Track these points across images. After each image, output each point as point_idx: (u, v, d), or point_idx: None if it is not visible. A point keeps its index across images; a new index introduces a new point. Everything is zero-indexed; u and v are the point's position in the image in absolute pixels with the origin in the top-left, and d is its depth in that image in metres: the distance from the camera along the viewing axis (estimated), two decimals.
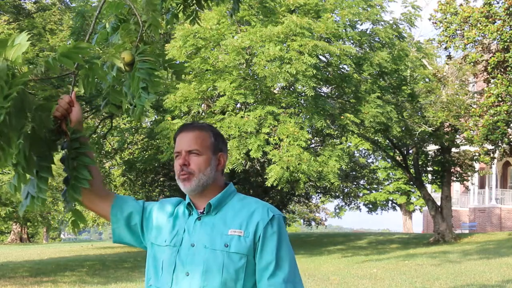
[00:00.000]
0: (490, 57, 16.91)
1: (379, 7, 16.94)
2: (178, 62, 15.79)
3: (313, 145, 20.06)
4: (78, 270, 14.88)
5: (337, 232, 38.23)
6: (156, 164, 22.20)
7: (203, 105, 17.30)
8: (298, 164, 14.10)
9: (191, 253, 1.97)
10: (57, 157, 2.02)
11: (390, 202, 40.92)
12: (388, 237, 26.53)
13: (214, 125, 15.49)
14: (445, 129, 20.21)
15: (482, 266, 12.05)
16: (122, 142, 20.04)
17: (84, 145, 1.95)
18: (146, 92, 1.92)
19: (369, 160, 36.67)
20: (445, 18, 17.86)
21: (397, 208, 41.71)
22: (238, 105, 16.14)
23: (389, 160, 26.72)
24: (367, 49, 16.85)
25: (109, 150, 21.85)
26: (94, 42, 2.40)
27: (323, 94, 16.95)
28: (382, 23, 17.14)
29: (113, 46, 2.07)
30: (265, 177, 15.25)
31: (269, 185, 14.56)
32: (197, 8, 2.69)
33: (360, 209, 39.52)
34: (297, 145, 14.19)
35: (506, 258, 13.34)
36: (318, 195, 35.57)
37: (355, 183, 33.57)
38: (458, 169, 21.92)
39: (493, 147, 18.49)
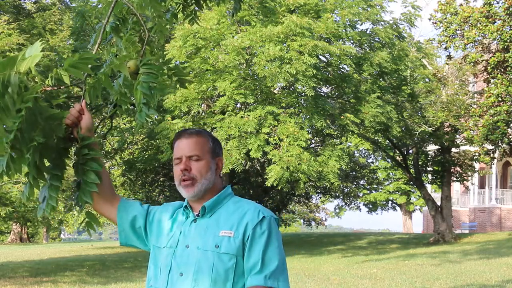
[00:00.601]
0: (490, 57, 16.91)
1: (379, 7, 16.94)
2: (178, 63, 15.79)
3: (313, 145, 20.06)
4: (78, 270, 14.88)
5: (337, 232, 38.24)
6: (156, 164, 22.19)
7: (203, 105, 17.30)
8: (298, 164, 14.10)
9: (186, 254, 2.03)
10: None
11: (390, 202, 40.91)
12: (388, 237, 26.53)
13: (214, 125, 15.55)
14: (445, 129, 20.21)
15: (482, 266, 12.05)
16: (122, 142, 20.04)
17: (93, 151, 2.02)
18: (147, 108, 1.96)
19: (369, 160, 36.68)
20: (445, 18, 17.86)
21: (397, 208, 41.71)
22: (238, 105, 16.14)
23: (389, 160, 26.72)
24: (367, 49, 16.85)
25: (109, 150, 21.85)
26: (93, 41, 2.42)
27: (323, 94, 16.95)
28: (382, 23, 17.14)
29: (119, 56, 2.09)
30: (265, 177, 15.26)
31: (269, 185, 14.56)
32: (196, 8, 2.69)
33: (360, 209, 39.53)
34: (297, 145, 14.19)
35: (506, 258, 13.34)
36: (318, 195, 35.58)
37: (355, 183, 33.57)
38: (458, 169, 21.92)
39: (493, 147, 18.49)
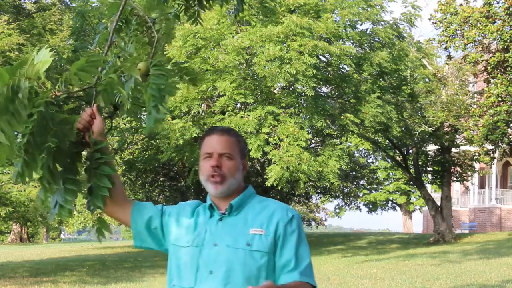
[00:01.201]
0: (490, 57, 16.91)
1: (379, 7, 16.94)
2: (178, 62, 15.78)
3: (313, 145, 20.06)
4: (78, 270, 14.87)
5: (337, 232, 38.25)
6: (156, 164, 22.19)
7: (203, 105, 17.31)
8: (298, 164, 14.10)
9: (214, 253, 2.03)
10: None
11: (390, 202, 40.91)
12: (388, 237, 26.53)
13: (214, 125, 15.57)
14: (445, 129, 20.21)
15: (482, 266, 12.05)
16: (122, 142, 20.04)
17: (105, 155, 2.02)
18: (156, 111, 1.96)
19: (369, 160, 36.67)
20: (445, 18, 17.86)
21: (397, 208, 41.70)
22: (238, 105, 16.15)
23: (389, 160, 26.72)
24: (367, 49, 16.86)
25: (109, 150, 21.85)
26: (96, 43, 2.41)
27: (323, 94, 16.96)
28: (382, 23, 17.14)
29: (129, 58, 2.09)
30: (265, 177, 15.26)
31: (269, 185, 14.57)
32: (198, 9, 2.69)
33: (360, 209, 39.53)
34: (297, 145, 14.19)
35: (506, 258, 13.33)
36: (318, 195, 35.57)
37: (355, 183, 33.57)
38: (458, 169, 21.92)
39: (493, 147, 18.49)
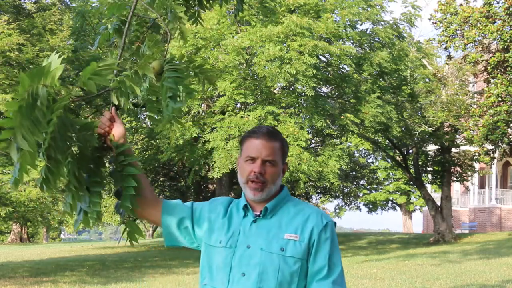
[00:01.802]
0: (490, 57, 16.91)
1: (379, 7, 16.94)
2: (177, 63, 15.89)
3: (313, 145, 20.06)
4: (78, 270, 14.87)
5: (337, 232, 38.06)
6: (156, 164, 22.21)
7: (203, 105, 17.31)
8: (298, 164, 14.11)
9: (247, 255, 2.03)
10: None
11: (390, 202, 40.92)
12: (388, 237, 26.53)
13: (214, 125, 15.52)
14: (445, 129, 20.21)
15: (482, 266, 12.05)
16: None
17: (129, 156, 2.00)
18: (173, 101, 1.95)
19: (369, 160, 36.69)
20: (445, 18, 17.86)
21: (397, 208, 41.71)
22: (238, 105, 16.15)
23: (389, 160, 26.73)
24: (367, 49, 16.86)
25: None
26: (97, 43, 2.41)
27: (323, 94, 16.96)
28: (382, 23, 17.15)
29: (143, 57, 2.09)
30: None
31: None
32: (198, 9, 2.69)
33: (360, 209, 39.56)
34: (297, 145, 14.19)
35: (506, 258, 13.34)
36: (318, 195, 35.59)
37: (355, 183, 33.59)
38: (458, 169, 21.92)
39: (493, 147, 18.50)
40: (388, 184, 39.53)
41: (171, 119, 1.97)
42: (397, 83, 17.84)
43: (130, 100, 2.04)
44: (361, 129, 17.03)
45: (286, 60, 14.24)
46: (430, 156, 22.10)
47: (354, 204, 38.52)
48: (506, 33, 16.37)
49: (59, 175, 1.80)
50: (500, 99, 16.61)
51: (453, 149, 21.50)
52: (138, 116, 21.08)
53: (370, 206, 40.09)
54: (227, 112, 15.07)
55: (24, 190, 14.56)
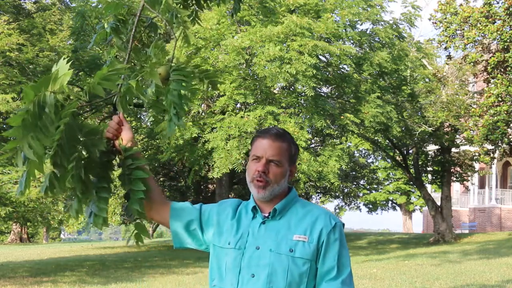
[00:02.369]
0: (490, 57, 16.90)
1: (379, 7, 16.94)
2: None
3: (313, 145, 20.06)
4: (78, 270, 14.87)
5: None
6: (156, 164, 22.20)
7: (203, 105, 17.31)
8: (298, 164, 14.10)
9: (256, 256, 2.05)
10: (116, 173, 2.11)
11: (390, 202, 40.92)
12: (388, 237, 26.53)
13: (214, 125, 15.51)
14: (445, 129, 20.21)
15: (482, 266, 12.05)
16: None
17: (137, 160, 2.03)
18: (177, 118, 1.98)
19: (369, 160, 36.69)
20: (445, 18, 17.85)
21: (397, 208, 41.71)
22: (238, 105, 16.14)
23: (389, 160, 26.73)
24: (367, 49, 16.86)
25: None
26: (93, 42, 2.42)
27: (323, 94, 16.95)
28: (382, 23, 17.15)
29: (149, 63, 2.10)
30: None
31: None
32: (196, 8, 2.69)
33: (360, 209, 39.55)
34: None
35: (506, 258, 13.34)
36: (318, 195, 35.59)
37: (355, 183, 33.58)
38: (458, 169, 21.92)
39: (493, 147, 18.49)
40: (388, 184, 39.53)
41: (171, 135, 1.99)
42: (397, 83, 17.84)
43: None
44: (361, 129, 17.03)
45: (286, 60, 14.24)
46: (430, 156, 22.10)
47: (354, 204, 38.52)
48: (506, 33, 16.37)
49: (65, 181, 1.82)
50: (500, 99, 16.61)
51: (453, 149, 21.50)
52: (138, 116, 21.09)
53: (370, 206, 40.09)
54: (227, 112, 15.07)
55: None
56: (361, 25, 17.37)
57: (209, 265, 2.19)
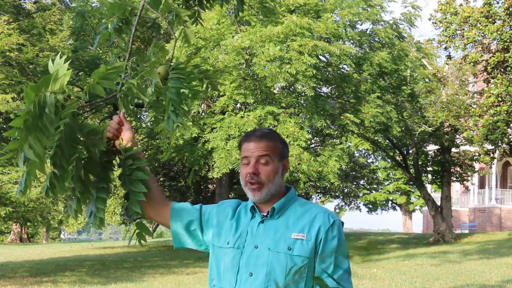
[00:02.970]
0: (490, 57, 16.90)
1: (379, 7, 16.94)
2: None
3: (313, 145, 20.06)
4: (78, 270, 14.87)
5: None
6: (156, 164, 22.20)
7: (203, 105, 17.31)
8: (298, 164, 14.10)
9: (255, 255, 2.05)
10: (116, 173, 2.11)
11: (390, 202, 40.92)
12: (388, 237, 26.53)
13: (214, 125, 15.50)
14: (445, 129, 20.21)
15: (482, 266, 12.05)
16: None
17: (138, 160, 2.02)
18: (175, 115, 1.97)
19: (369, 160, 36.69)
20: (445, 18, 17.85)
21: (397, 208, 41.71)
22: (238, 105, 16.14)
23: (389, 160, 26.72)
24: (367, 49, 16.85)
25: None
26: (97, 43, 2.42)
27: (323, 94, 16.95)
28: (382, 23, 17.14)
29: (149, 63, 2.11)
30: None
31: None
32: (198, 9, 2.69)
33: (360, 209, 39.55)
34: (297, 145, 14.19)
35: (506, 258, 13.34)
36: (318, 195, 35.57)
37: (355, 183, 33.58)
38: (458, 169, 21.92)
39: (493, 147, 18.49)
40: (388, 184, 39.53)
41: (170, 133, 1.99)
42: (397, 83, 17.84)
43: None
44: (361, 129, 17.03)
45: (286, 60, 14.24)
46: (430, 156, 22.10)
47: (354, 204, 38.52)
48: (506, 33, 16.37)
49: (65, 181, 1.83)
50: (500, 99, 16.61)
51: (453, 149, 21.50)
52: (138, 116, 21.09)
53: (370, 206, 40.09)
54: (227, 112, 15.06)
55: None
56: (361, 25, 17.37)
57: (209, 265, 2.19)
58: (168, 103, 1.97)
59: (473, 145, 18.52)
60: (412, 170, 21.86)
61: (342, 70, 16.50)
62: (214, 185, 24.40)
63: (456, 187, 32.75)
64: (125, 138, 2.08)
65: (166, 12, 2.30)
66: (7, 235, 42.30)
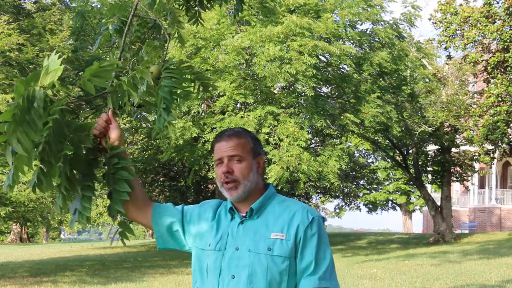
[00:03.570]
0: (490, 57, 16.90)
1: (379, 7, 16.94)
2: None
3: (313, 145, 20.06)
4: (78, 270, 14.87)
5: (337, 232, 38.24)
6: (156, 164, 22.21)
7: (203, 105, 17.31)
8: (298, 164, 14.10)
9: (236, 257, 2.03)
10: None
11: (390, 202, 40.92)
12: (388, 237, 26.54)
13: (214, 125, 15.51)
14: (445, 129, 20.21)
15: (482, 266, 12.05)
16: None
17: (123, 159, 2.01)
18: (166, 113, 1.96)
19: (369, 160, 36.68)
20: (445, 18, 17.85)
21: (397, 208, 41.71)
22: (238, 105, 16.14)
23: (389, 160, 26.72)
24: (367, 49, 16.85)
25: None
26: (98, 44, 2.42)
27: (323, 94, 16.95)
28: (382, 23, 17.14)
29: (142, 61, 2.10)
30: (265, 177, 15.23)
31: None
32: (199, 9, 2.69)
33: (360, 209, 39.55)
34: (297, 145, 14.19)
35: (506, 258, 13.34)
36: (318, 195, 35.58)
37: (355, 183, 33.57)
38: (458, 169, 21.92)
39: (493, 147, 18.49)
40: (388, 184, 39.53)
41: (162, 130, 1.98)
42: (397, 83, 17.84)
43: (131, 100, 2.05)
44: (361, 129, 17.03)
45: (286, 60, 14.24)
46: (430, 156, 22.09)
47: (354, 204, 38.51)
48: (506, 33, 16.37)
49: (53, 177, 1.82)
50: (500, 99, 16.61)
51: (453, 149, 21.50)
52: (138, 116, 21.08)
53: (370, 206, 40.09)
54: (227, 112, 15.07)
55: (24, 190, 14.55)
56: (361, 25, 17.38)
57: (192, 267, 2.18)
58: (160, 102, 1.96)
59: (473, 145, 18.52)
60: (412, 170, 21.86)
61: (342, 70, 16.50)
62: (214, 185, 24.41)
63: (456, 187, 32.75)
64: (112, 136, 2.06)
65: (161, 12, 2.29)
66: (7, 235, 42.30)
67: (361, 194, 37.60)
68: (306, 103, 15.76)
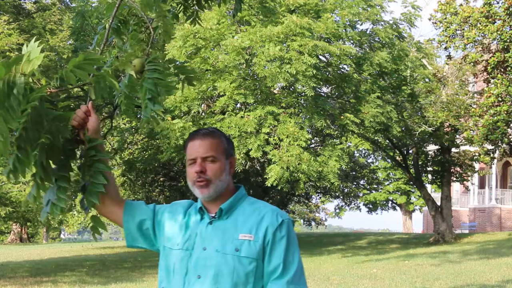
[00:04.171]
0: (490, 57, 16.91)
1: (379, 7, 16.93)
2: (178, 63, 15.85)
3: (313, 145, 20.05)
4: (78, 270, 14.87)
5: (337, 232, 38.24)
6: (156, 164, 22.19)
7: (203, 105, 17.30)
8: (298, 164, 14.10)
9: (203, 257, 2.02)
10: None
11: (390, 202, 40.92)
12: (388, 237, 26.53)
13: (214, 125, 15.51)
14: (445, 129, 20.20)
15: (482, 266, 12.05)
16: (122, 142, 20.05)
17: (100, 152, 2.02)
18: (152, 103, 1.96)
19: (369, 160, 36.70)
20: (445, 18, 17.85)
21: (397, 208, 41.71)
22: (238, 105, 16.14)
23: (389, 160, 26.72)
24: (367, 49, 16.85)
25: (109, 150, 21.85)
26: (95, 43, 2.42)
27: (323, 94, 16.95)
28: (382, 23, 17.14)
29: (125, 54, 2.10)
30: (265, 177, 15.26)
31: (269, 185, 14.56)
32: (197, 9, 2.69)
33: (360, 209, 39.56)
34: (297, 145, 14.19)
35: (506, 258, 13.33)
36: (318, 195, 35.59)
37: (355, 183, 33.58)
38: (458, 169, 21.91)
39: (493, 147, 18.49)
40: (388, 184, 39.54)
41: (149, 120, 1.98)
42: (397, 83, 17.83)
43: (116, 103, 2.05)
44: (361, 129, 17.02)
45: (286, 60, 14.24)
46: (430, 156, 22.09)
47: (354, 204, 38.52)
48: (506, 33, 16.37)
49: (28, 165, 1.81)
50: (500, 99, 16.61)
51: (453, 149, 21.49)
52: (138, 116, 21.07)
53: (370, 206, 40.09)
54: (227, 112, 15.06)
55: (24, 190, 14.56)
56: (361, 25, 17.37)
57: (159, 266, 2.17)
58: (144, 93, 1.96)
59: (473, 145, 18.52)
60: (412, 170, 21.85)
61: (342, 70, 16.50)
62: None
63: (456, 187, 32.74)
64: (90, 128, 2.05)
65: (147, 6, 2.29)
66: (7, 235, 42.31)
67: (361, 194, 37.61)
68: (306, 103, 15.75)
